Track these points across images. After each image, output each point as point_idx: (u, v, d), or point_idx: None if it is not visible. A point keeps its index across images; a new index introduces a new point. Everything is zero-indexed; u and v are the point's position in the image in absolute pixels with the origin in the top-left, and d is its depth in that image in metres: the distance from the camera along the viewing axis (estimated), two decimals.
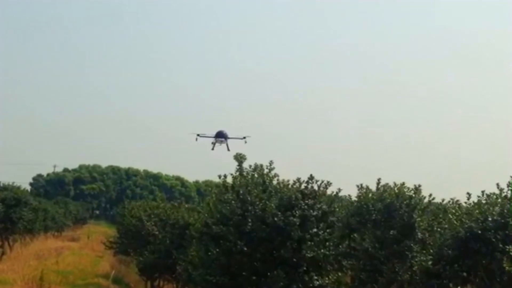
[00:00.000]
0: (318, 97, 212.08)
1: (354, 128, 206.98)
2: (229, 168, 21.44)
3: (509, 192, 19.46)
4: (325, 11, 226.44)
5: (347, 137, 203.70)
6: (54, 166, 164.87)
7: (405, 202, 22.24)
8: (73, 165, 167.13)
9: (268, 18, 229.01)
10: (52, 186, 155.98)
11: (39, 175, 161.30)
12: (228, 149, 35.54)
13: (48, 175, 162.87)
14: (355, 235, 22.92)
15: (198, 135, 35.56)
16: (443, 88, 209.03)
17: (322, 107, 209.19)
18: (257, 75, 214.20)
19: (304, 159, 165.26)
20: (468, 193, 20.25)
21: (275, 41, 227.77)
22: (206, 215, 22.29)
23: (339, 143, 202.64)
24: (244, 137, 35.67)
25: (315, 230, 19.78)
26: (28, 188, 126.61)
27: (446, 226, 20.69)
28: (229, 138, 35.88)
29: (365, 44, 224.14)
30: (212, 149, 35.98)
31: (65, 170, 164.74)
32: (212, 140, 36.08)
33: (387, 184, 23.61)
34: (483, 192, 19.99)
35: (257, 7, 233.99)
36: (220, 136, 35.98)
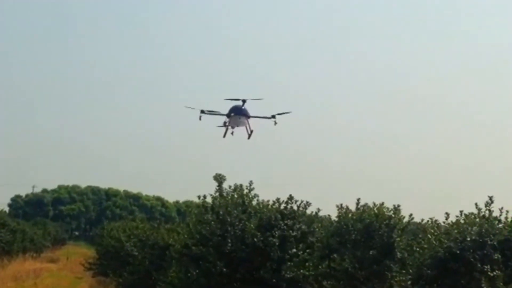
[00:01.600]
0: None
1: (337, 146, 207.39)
2: (209, 189, 21.43)
3: (487, 212, 19.59)
4: (329, 17, 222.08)
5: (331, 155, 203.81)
6: (33, 187, 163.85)
7: (384, 222, 22.30)
8: (52, 185, 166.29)
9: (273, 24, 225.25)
10: (30, 207, 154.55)
11: (18, 196, 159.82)
12: (249, 135, 25.04)
13: (26, 195, 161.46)
14: (335, 255, 22.91)
15: (202, 111, 24.65)
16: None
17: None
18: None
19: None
20: (446, 213, 20.40)
21: (271, 47, 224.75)
22: (186, 236, 22.24)
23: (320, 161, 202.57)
24: (273, 116, 24.98)
25: (294, 250, 19.81)
26: (7, 209, 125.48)
27: (425, 246, 20.76)
28: (250, 116, 25.01)
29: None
30: (224, 135, 25.38)
31: (44, 190, 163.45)
32: (225, 119, 25.25)
33: (366, 204, 23.67)
34: (461, 212, 20.14)
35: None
36: (238, 112, 24.73)
